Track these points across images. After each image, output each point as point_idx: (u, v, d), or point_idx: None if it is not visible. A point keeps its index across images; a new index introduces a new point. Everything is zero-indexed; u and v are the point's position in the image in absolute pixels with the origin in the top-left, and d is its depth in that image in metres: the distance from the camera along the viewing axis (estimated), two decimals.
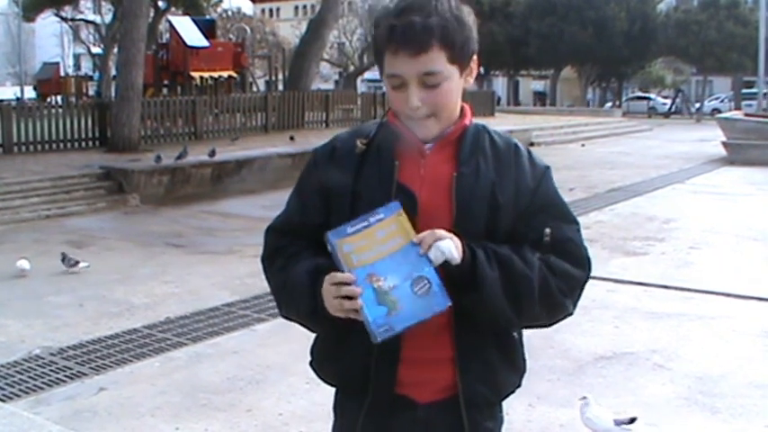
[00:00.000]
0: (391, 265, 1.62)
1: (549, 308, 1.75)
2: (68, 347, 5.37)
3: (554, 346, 5.21)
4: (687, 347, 5.38)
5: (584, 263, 1.80)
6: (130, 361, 5.12)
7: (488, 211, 1.74)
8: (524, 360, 1.90)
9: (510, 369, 1.85)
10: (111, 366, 5.02)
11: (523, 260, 1.71)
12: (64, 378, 4.82)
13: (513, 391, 1.89)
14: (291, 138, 17.03)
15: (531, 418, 4.20)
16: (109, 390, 4.66)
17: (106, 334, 5.65)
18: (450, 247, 1.63)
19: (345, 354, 1.78)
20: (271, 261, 1.87)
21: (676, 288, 6.88)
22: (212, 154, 13.51)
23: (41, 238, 9.27)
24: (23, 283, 7.18)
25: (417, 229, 1.67)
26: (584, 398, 4.03)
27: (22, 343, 5.49)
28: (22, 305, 6.44)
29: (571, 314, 1.81)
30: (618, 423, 3.94)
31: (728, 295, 6.67)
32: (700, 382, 4.75)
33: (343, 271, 1.62)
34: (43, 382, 4.73)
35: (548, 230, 1.75)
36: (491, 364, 1.80)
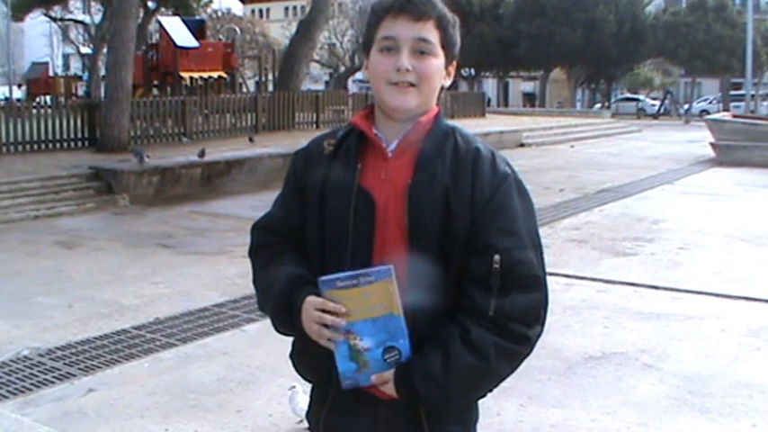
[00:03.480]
0: (370, 329, 1.68)
1: (513, 363, 1.76)
2: (57, 348, 5.34)
3: (544, 347, 5.20)
4: (676, 347, 5.40)
5: (537, 283, 1.75)
6: (119, 362, 5.10)
7: (442, 218, 1.73)
8: None
9: None
10: (99, 367, 5.00)
11: (477, 354, 1.68)
12: (52, 379, 4.79)
13: (483, 395, 1.86)
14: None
15: (522, 419, 4.20)
16: (98, 391, 4.64)
17: (95, 335, 5.63)
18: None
19: (314, 348, 1.77)
20: (254, 256, 1.96)
21: (665, 288, 6.90)
22: (202, 154, 13.49)
23: (30, 239, 9.23)
24: (13, 283, 7.15)
25: (376, 235, 1.75)
26: (293, 387, 4.01)
27: (10, 344, 5.46)
28: (10, 306, 6.41)
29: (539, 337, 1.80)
30: None
31: (717, 295, 6.70)
32: (689, 381, 4.77)
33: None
34: (32, 383, 4.71)
35: (497, 257, 1.69)
36: (493, 384, 1.78)
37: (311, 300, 1.71)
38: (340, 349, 1.69)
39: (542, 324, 1.79)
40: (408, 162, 1.77)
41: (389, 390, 1.71)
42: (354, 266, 1.74)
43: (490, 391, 1.81)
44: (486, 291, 1.70)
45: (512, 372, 1.79)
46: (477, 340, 1.69)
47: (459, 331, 1.70)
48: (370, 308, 1.67)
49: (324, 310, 1.68)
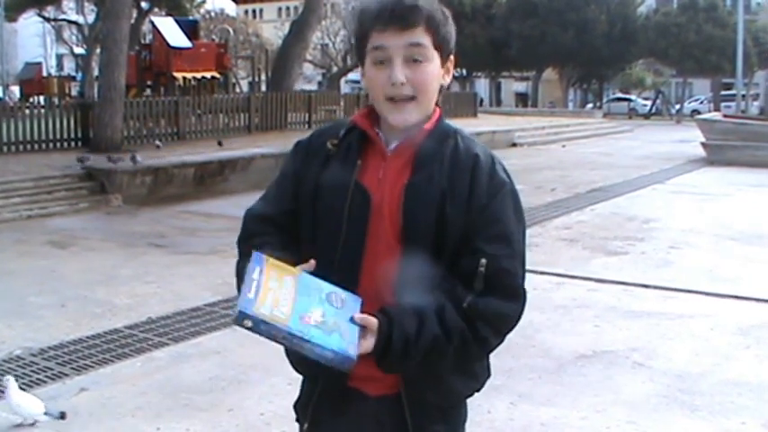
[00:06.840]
0: (305, 301, 1.66)
1: (464, 360, 1.77)
2: (49, 348, 5.34)
3: (535, 345, 5.25)
4: (666, 346, 5.44)
5: (518, 294, 1.76)
6: (112, 361, 5.11)
7: (436, 221, 1.73)
8: (487, 367, 1.89)
9: (464, 376, 1.83)
10: (92, 367, 5.00)
11: (444, 330, 1.68)
12: (45, 379, 4.80)
13: (470, 395, 1.88)
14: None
15: (512, 417, 4.22)
16: (90, 390, 4.64)
17: (87, 334, 5.63)
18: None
19: None
20: (242, 244, 1.92)
21: (656, 287, 6.94)
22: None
23: (23, 239, 9.22)
24: (5, 282, 7.14)
25: (368, 229, 1.75)
26: (6, 378, 3.90)
27: (2, 344, 5.46)
28: (3, 305, 6.40)
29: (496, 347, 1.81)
30: (48, 413, 3.87)
31: (707, 294, 6.74)
32: (679, 380, 4.80)
33: (279, 335, 1.62)
34: (24, 383, 4.70)
35: (483, 261, 1.70)
36: (439, 370, 1.77)
37: None
38: (316, 336, 1.62)
39: (505, 335, 1.79)
40: (406, 162, 1.77)
41: (368, 344, 1.66)
42: (344, 262, 1.75)
43: (424, 377, 1.77)
44: (467, 288, 1.72)
45: (458, 367, 1.78)
46: (449, 319, 1.69)
47: (435, 305, 1.70)
48: (284, 288, 1.65)
49: None
